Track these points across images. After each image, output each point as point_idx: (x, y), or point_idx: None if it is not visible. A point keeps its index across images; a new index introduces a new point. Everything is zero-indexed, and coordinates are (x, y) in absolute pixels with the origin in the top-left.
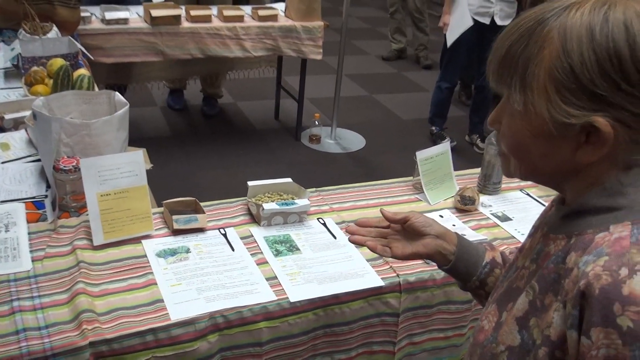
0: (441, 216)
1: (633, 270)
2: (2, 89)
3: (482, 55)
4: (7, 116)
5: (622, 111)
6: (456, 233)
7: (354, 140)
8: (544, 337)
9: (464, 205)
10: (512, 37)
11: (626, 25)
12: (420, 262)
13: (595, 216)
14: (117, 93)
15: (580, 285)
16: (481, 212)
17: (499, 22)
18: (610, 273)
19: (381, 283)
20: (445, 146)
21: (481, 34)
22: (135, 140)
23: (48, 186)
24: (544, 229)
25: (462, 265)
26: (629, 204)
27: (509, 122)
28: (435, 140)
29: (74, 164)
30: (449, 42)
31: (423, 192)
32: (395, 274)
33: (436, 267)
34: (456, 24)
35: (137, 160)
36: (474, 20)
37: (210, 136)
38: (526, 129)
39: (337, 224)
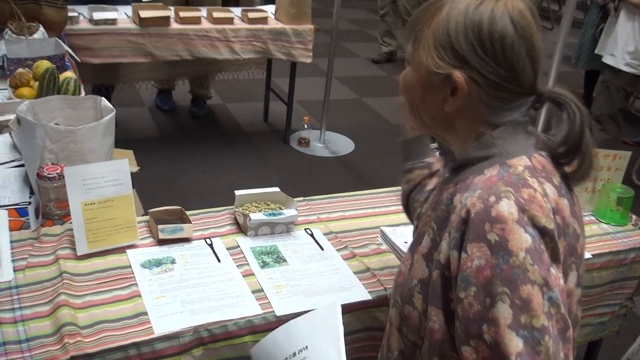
0: None
1: (499, 197)
2: None
3: None
4: None
5: (475, 71)
6: None
7: (343, 144)
8: (436, 262)
9: None
10: (422, 8)
11: (493, 8)
12: None
13: (474, 166)
14: (103, 99)
15: (462, 214)
16: None
17: None
18: (482, 201)
19: (368, 297)
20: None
21: None
22: (122, 141)
23: (32, 192)
24: (440, 184)
25: None
26: (498, 152)
27: (404, 72)
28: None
29: (58, 171)
30: None
31: None
32: (382, 287)
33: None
34: None
35: (123, 169)
36: None
37: (198, 138)
38: (412, 75)
39: (324, 234)
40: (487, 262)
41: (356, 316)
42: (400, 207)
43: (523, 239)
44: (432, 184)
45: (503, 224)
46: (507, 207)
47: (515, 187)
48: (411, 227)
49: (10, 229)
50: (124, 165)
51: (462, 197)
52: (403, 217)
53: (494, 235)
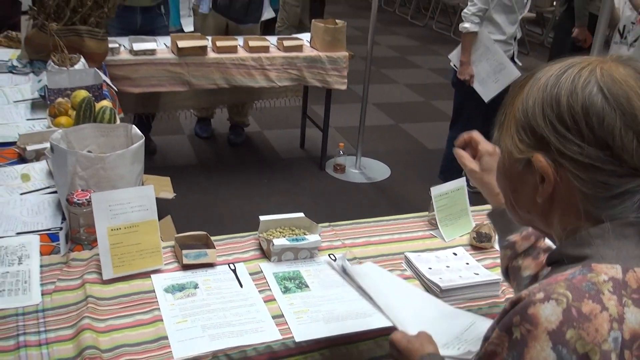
0: (455, 254)
1: (548, 297)
2: (28, 120)
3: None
4: (30, 147)
5: (558, 152)
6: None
7: (379, 170)
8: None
9: (480, 243)
10: (511, 89)
11: (574, 78)
12: None
13: (564, 265)
14: (133, 126)
15: (507, 304)
16: (497, 250)
17: (518, 62)
18: (529, 293)
19: (390, 323)
20: (461, 182)
21: None
22: (161, 168)
23: (64, 218)
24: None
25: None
26: (591, 254)
27: (498, 159)
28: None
29: (88, 197)
30: (488, 97)
31: (438, 228)
32: None
33: None
34: (493, 76)
35: (148, 195)
36: None
37: (235, 165)
38: (501, 163)
39: (348, 260)
40: (501, 353)
41: (377, 343)
42: (426, 233)
43: (542, 356)
44: (530, 268)
45: (532, 326)
46: (548, 312)
47: (578, 295)
48: (435, 253)
49: (41, 254)
50: (150, 191)
51: None
52: (428, 243)
53: (518, 331)
